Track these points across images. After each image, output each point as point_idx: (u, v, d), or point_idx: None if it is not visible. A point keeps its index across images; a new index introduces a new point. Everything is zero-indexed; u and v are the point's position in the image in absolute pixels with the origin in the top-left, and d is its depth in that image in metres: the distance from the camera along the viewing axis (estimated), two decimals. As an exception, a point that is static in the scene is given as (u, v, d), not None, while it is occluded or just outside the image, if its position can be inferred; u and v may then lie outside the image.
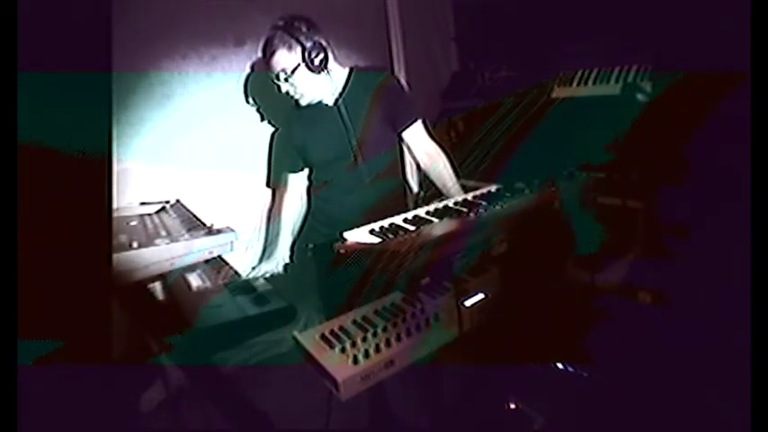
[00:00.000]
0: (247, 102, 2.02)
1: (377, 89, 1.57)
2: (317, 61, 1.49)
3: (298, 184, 1.78)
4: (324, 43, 1.51)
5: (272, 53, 1.49)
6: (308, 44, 1.47)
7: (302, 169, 1.75)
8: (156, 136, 1.94)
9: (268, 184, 2.04)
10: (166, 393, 1.75)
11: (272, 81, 1.56)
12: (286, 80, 1.53)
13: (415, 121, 1.65)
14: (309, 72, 1.50)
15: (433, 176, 1.70)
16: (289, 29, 1.47)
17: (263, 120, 2.02)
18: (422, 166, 1.70)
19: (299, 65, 1.49)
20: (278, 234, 1.76)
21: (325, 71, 1.53)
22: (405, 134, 1.65)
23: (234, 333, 1.34)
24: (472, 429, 1.58)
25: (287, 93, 1.57)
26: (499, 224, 1.12)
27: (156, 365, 1.55)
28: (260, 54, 1.57)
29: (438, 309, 1.20)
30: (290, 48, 1.47)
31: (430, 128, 1.71)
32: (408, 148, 1.70)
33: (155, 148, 1.95)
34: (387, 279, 1.14)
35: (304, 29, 1.48)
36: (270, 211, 2.00)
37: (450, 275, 1.18)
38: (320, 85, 1.56)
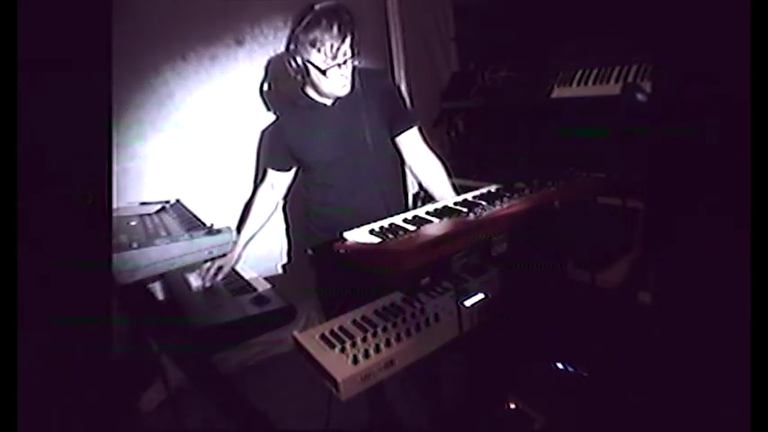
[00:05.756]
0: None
1: (376, 90, 1.56)
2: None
3: (280, 183, 1.73)
4: None
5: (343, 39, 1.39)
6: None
7: (290, 169, 1.72)
8: (156, 136, 1.94)
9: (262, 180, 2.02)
10: (166, 393, 1.75)
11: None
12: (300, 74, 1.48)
13: (411, 127, 1.63)
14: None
15: (427, 185, 1.65)
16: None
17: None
18: (416, 173, 1.66)
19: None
20: (243, 230, 1.71)
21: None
22: (399, 139, 1.63)
23: (234, 333, 1.33)
24: (472, 429, 1.58)
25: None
26: (499, 224, 1.12)
27: (156, 365, 1.56)
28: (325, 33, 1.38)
29: (438, 309, 1.20)
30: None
31: (426, 136, 1.67)
32: (403, 154, 1.67)
33: (155, 148, 1.95)
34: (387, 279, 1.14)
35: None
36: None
37: (450, 275, 1.18)
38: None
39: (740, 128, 0.81)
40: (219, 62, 2.01)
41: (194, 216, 1.69)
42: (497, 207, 1.15)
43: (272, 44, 2.06)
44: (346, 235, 1.14)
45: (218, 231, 1.45)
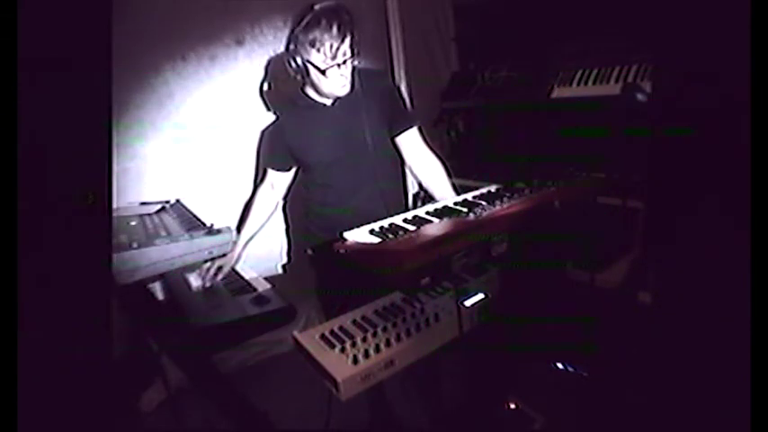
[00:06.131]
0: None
1: (376, 90, 1.56)
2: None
3: (280, 183, 1.73)
4: None
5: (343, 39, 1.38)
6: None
7: (290, 169, 1.72)
8: (156, 136, 1.94)
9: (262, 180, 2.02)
10: (166, 393, 1.75)
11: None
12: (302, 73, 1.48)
13: (411, 127, 1.63)
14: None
15: (427, 185, 1.64)
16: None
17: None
18: (416, 173, 1.67)
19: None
20: (243, 230, 1.70)
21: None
22: (399, 139, 1.63)
23: (234, 333, 1.33)
24: (472, 429, 1.58)
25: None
26: (499, 224, 1.12)
27: (156, 365, 1.56)
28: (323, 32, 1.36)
29: (438, 309, 1.20)
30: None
31: (426, 136, 1.66)
32: (403, 154, 1.67)
33: (155, 148, 1.95)
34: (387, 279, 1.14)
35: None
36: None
37: (451, 275, 1.18)
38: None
39: (740, 128, 0.81)
40: (219, 62, 2.01)
41: (194, 216, 1.69)
42: (497, 207, 1.15)
43: (272, 44, 2.06)
44: (346, 235, 1.14)
45: (218, 231, 1.45)
